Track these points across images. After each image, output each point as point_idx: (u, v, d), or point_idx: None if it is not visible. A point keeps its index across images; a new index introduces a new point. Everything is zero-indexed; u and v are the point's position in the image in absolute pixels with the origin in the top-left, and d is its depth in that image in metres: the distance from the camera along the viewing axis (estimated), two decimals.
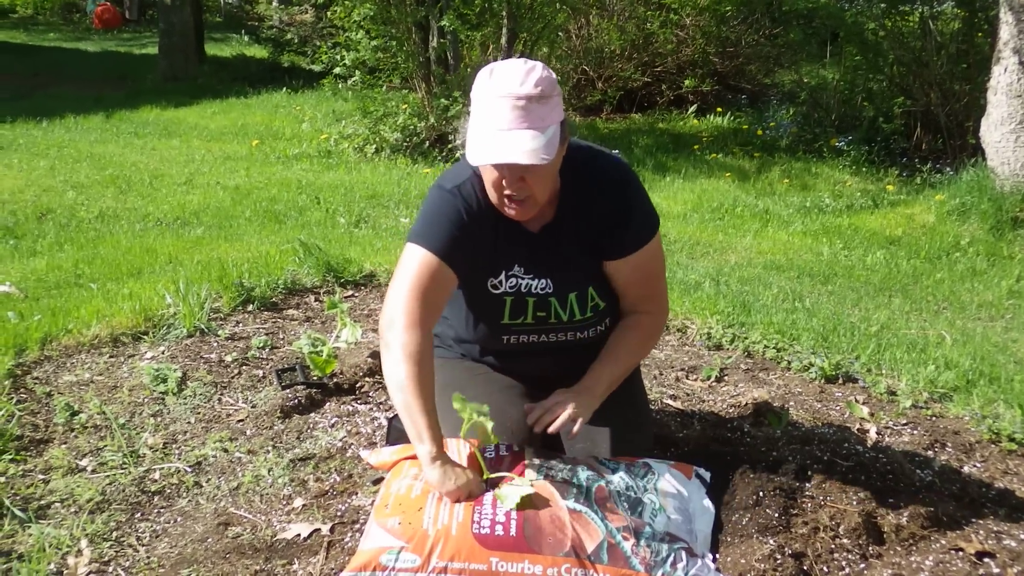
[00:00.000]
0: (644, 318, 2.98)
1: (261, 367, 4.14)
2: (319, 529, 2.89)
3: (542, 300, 2.87)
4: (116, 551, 2.80)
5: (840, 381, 4.37)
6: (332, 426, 3.61)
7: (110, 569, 2.72)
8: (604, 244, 2.83)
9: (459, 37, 11.94)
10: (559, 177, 2.75)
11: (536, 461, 2.73)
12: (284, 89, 16.54)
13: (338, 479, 3.21)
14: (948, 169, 10.74)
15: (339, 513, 2.99)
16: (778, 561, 2.61)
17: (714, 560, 2.65)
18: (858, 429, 3.80)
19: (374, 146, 11.51)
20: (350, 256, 5.67)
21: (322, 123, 13.00)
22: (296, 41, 20.53)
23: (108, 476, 3.19)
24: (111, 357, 4.16)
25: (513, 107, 2.48)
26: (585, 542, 2.45)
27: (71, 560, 2.73)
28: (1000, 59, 8.59)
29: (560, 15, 12.87)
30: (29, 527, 2.86)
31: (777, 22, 15.38)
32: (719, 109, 14.70)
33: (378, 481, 3.09)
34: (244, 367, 4.13)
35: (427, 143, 11.38)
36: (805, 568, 2.66)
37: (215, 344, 4.34)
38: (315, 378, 3.91)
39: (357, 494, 3.10)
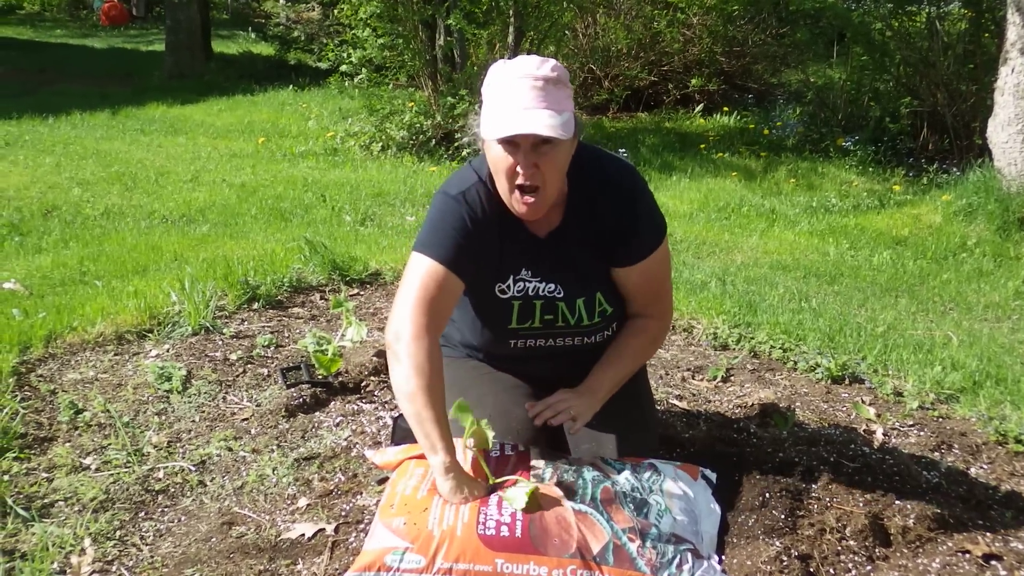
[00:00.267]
0: (650, 322, 2.98)
1: (266, 366, 4.14)
2: (323, 529, 2.88)
3: (549, 303, 2.86)
4: (120, 550, 2.79)
5: (846, 382, 4.36)
6: (337, 425, 3.60)
7: (113, 568, 2.71)
8: (612, 251, 2.82)
9: (466, 35, 11.95)
10: (566, 179, 2.74)
11: (541, 462, 2.72)
12: (290, 87, 16.55)
13: (343, 479, 3.20)
14: (955, 169, 10.72)
15: (344, 513, 2.98)
16: (784, 563, 2.60)
17: (720, 562, 2.64)
18: (864, 430, 3.79)
19: (380, 144, 11.51)
20: (356, 254, 5.67)
21: (328, 121, 13.01)
22: (303, 39, 20.57)
23: (112, 475, 3.18)
24: (116, 355, 4.16)
25: (532, 87, 2.51)
26: (591, 543, 2.44)
27: (74, 559, 2.72)
28: (1007, 60, 8.58)
29: (567, 14, 12.87)
30: (32, 526, 2.86)
31: (784, 22, 15.36)
32: (725, 108, 14.69)
33: (383, 481, 3.08)
34: (249, 366, 4.12)
35: (433, 141, 11.38)
36: (811, 570, 2.65)
37: (220, 342, 4.34)
38: (320, 377, 3.90)
39: (362, 494, 3.09)
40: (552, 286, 2.84)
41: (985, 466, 3.52)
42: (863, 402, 4.09)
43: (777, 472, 3.03)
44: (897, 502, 2.99)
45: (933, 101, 11.50)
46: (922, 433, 3.80)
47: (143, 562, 2.74)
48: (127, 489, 3.11)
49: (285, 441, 3.47)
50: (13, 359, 3.94)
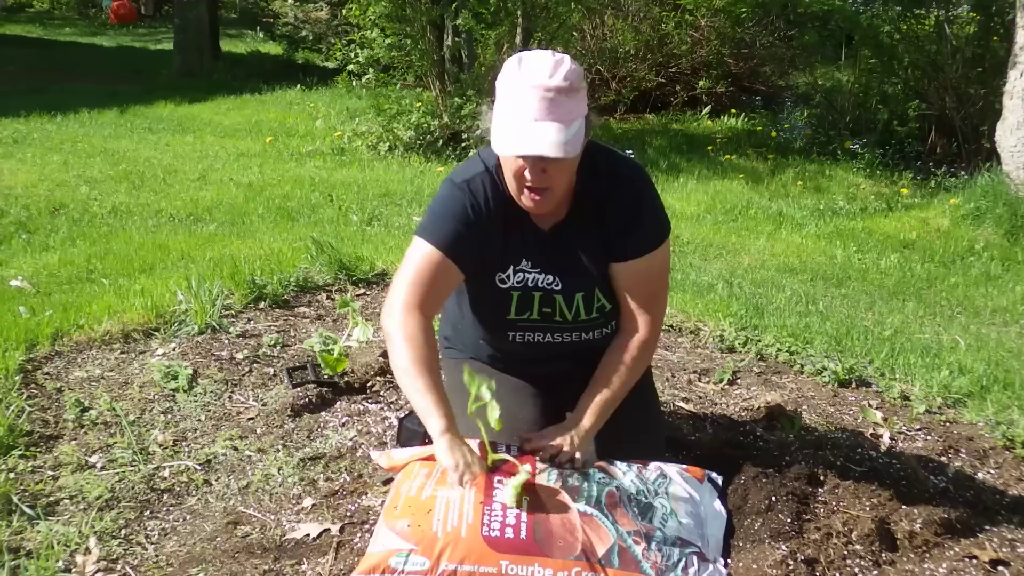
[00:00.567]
0: (634, 338, 2.89)
1: (272, 365, 4.14)
2: (328, 529, 2.88)
3: (548, 296, 2.86)
4: (125, 549, 2.79)
5: (853, 385, 4.35)
6: (343, 425, 3.60)
7: (118, 567, 2.71)
8: (614, 244, 2.81)
9: (474, 36, 11.95)
10: (576, 173, 2.74)
11: (546, 464, 2.71)
12: (298, 86, 16.57)
13: (348, 479, 3.20)
14: (963, 173, 10.71)
15: (349, 513, 2.98)
16: (790, 567, 2.59)
17: (726, 565, 2.63)
18: (871, 434, 3.78)
19: (387, 144, 11.51)
20: (362, 254, 5.67)
21: (336, 120, 13.00)
22: (311, 38, 20.57)
23: (117, 473, 3.18)
24: (122, 353, 4.16)
25: (541, 98, 2.48)
26: (596, 546, 2.44)
27: (79, 558, 2.72)
28: (1016, 63, 8.57)
29: (575, 15, 12.86)
30: (38, 524, 2.86)
31: (792, 24, 15.34)
32: (733, 110, 14.68)
33: (388, 481, 3.08)
34: (255, 365, 4.12)
35: (440, 141, 11.38)
36: (818, 574, 2.64)
37: (226, 341, 4.34)
38: (326, 377, 3.90)
39: (367, 494, 3.09)
40: (550, 278, 2.84)
41: (992, 471, 3.51)
42: (870, 406, 4.09)
43: (783, 475, 3.02)
44: (904, 507, 2.99)
45: (941, 104, 11.49)
46: (929, 437, 3.80)
47: (148, 561, 2.74)
48: (132, 488, 3.10)
49: (291, 441, 3.47)
50: (20, 357, 3.94)
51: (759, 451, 3.40)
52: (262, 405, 3.75)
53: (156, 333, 4.37)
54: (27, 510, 2.91)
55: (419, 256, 2.74)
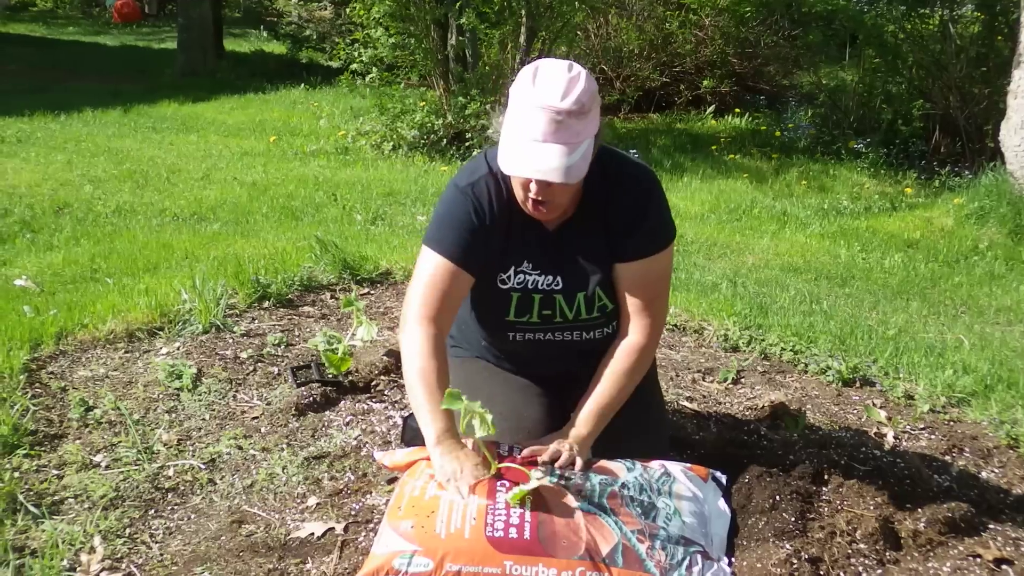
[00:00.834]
0: (633, 342, 2.89)
1: (276, 364, 4.14)
2: (333, 528, 2.88)
3: (548, 297, 2.86)
4: (129, 548, 2.79)
5: (857, 384, 4.35)
6: (347, 424, 3.60)
7: (123, 566, 2.71)
8: (618, 243, 2.81)
9: (478, 35, 11.94)
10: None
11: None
12: (302, 85, 16.57)
13: (352, 478, 3.21)
14: (967, 173, 10.71)
15: (353, 512, 2.98)
16: (794, 566, 2.59)
17: (730, 564, 2.63)
18: (875, 433, 3.78)
19: (391, 143, 11.51)
20: (366, 253, 5.67)
21: (340, 120, 13.00)
22: (315, 37, 20.58)
23: (122, 472, 3.18)
24: (126, 352, 4.16)
25: (550, 120, 2.48)
26: (600, 545, 2.44)
27: (84, 557, 2.72)
28: (1020, 62, 8.57)
29: (579, 14, 12.85)
30: (42, 523, 2.86)
31: (796, 23, 15.35)
32: (737, 110, 14.69)
33: (392, 480, 3.08)
34: (259, 364, 4.12)
35: (444, 141, 11.38)
36: (821, 573, 2.64)
37: (230, 341, 4.34)
38: (330, 376, 3.90)
39: (371, 493, 3.09)
40: (550, 278, 2.85)
41: (996, 470, 3.51)
42: (874, 405, 4.09)
43: (787, 474, 3.02)
44: (908, 505, 2.99)
45: (945, 104, 11.49)
46: (933, 436, 3.80)
47: (152, 560, 2.74)
48: (137, 487, 3.11)
49: (295, 440, 3.47)
50: (24, 356, 3.94)
51: (763, 450, 3.40)
52: (266, 404, 3.75)
53: (160, 332, 4.37)
54: (32, 509, 2.92)
55: (429, 267, 2.76)
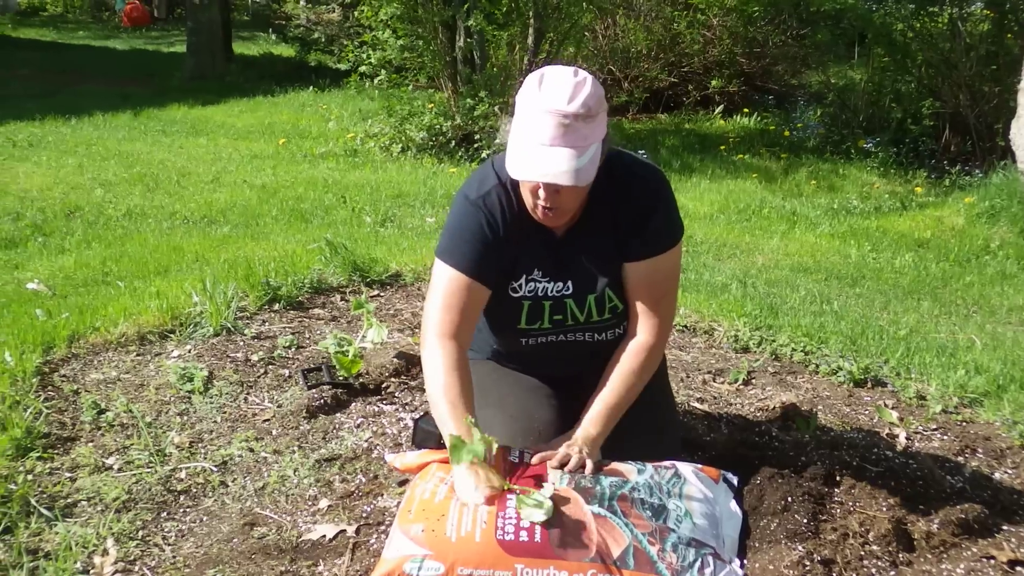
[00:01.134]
0: (641, 342, 2.88)
1: (287, 367, 4.14)
2: (344, 530, 2.88)
3: (558, 303, 2.86)
4: (142, 550, 2.80)
5: (869, 385, 4.34)
6: (358, 427, 3.61)
7: (136, 568, 2.72)
8: (626, 243, 2.81)
9: (486, 37, 11.94)
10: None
11: (558, 472, 2.70)
12: (311, 88, 16.60)
13: (364, 480, 3.21)
14: (977, 171, 10.69)
15: (364, 514, 2.98)
16: (807, 568, 2.59)
17: (742, 566, 2.63)
18: (887, 434, 3.77)
19: (400, 145, 11.53)
20: (376, 256, 5.67)
21: (348, 122, 13.02)
22: (323, 40, 20.58)
23: (134, 475, 3.19)
24: (138, 355, 4.17)
25: (557, 124, 2.48)
26: (611, 547, 2.43)
27: (97, 559, 2.73)
28: None
29: (586, 15, 12.84)
30: (56, 525, 2.87)
31: (804, 23, 15.31)
32: (746, 110, 14.67)
33: (404, 483, 3.08)
34: (270, 366, 4.13)
35: (453, 143, 11.39)
36: (834, 575, 2.63)
37: (241, 343, 4.34)
38: (341, 378, 3.91)
39: (383, 495, 3.09)
40: (560, 284, 2.85)
41: (1010, 471, 3.50)
42: (886, 406, 4.08)
43: (799, 476, 3.02)
44: (921, 507, 2.99)
45: (955, 102, 11.46)
46: (946, 437, 3.79)
47: (165, 562, 2.75)
48: (149, 489, 3.11)
49: (306, 442, 3.48)
50: (36, 359, 3.95)
51: (774, 451, 3.39)
52: (277, 407, 3.75)
53: (171, 335, 4.37)
54: (45, 512, 2.92)
55: (444, 281, 2.76)
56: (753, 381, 4.32)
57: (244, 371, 4.05)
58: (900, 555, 2.75)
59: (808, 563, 2.60)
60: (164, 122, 13.35)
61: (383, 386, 3.93)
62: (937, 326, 5.70)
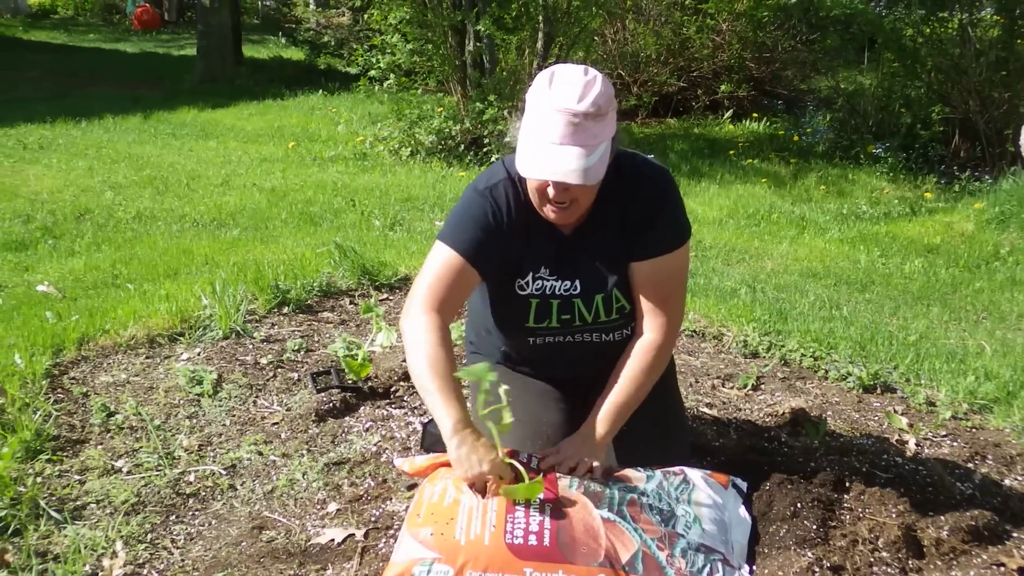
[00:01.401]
0: (648, 342, 2.88)
1: (296, 370, 4.15)
2: (353, 534, 2.89)
3: (566, 302, 2.86)
4: (151, 553, 2.81)
5: (878, 391, 4.33)
6: (367, 430, 3.61)
7: (145, 571, 2.73)
8: (633, 242, 2.81)
9: (495, 41, 11.94)
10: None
11: (567, 478, 2.70)
12: (320, 91, 16.60)
13: (372, 484, 3.21)
14: (987, 177, 10.67)
15: (373, 518, 2.99)
16: (816, 574, 2.58)
17: (751, 572, 2.62)
18: (897, 440, 3.76)
19: (409, 149, 11.54)
20: (385, 259, 5.68)
21: (358, 125, 13.04)
22: (333, 43, 20.61)
23: (143, 478, 3.20)
24: (147, 358, 4.18)
25: (568, 123, 2.48)
26: (620, 552, 2.43)
27: (106, 562, 2.74)
28: None
29: (596, 19, 12.85)
30: (65, 528, 2.88)
31: (814, 28, 15.30)
32: (755, 115, 14.65)
33: (412, 487, 3.08)
34: (279, 370, 4.13)
35: (462, 146, 11.40)
36: None
37: (250, 346, 4.35)
38: (350, 382, 3.91)
39: (391, 499, 3.10)
40: (568, 283, 2.84)
41: (1020, 477, 3.50)
42: (895, 412, 4.07)
43: (808, 482, 3.01)
44: (931, 513, 2.98)
45: (965, 108, 11.44)
46: (955, 444, 3.78)
47: (174, 565, 2.75)
48: (158, 492, 3.12)
49: (315, 446, 3.48)
50: (46, 361, 3.96)
51: (784, 457, 3.39)
52: (286, 410, 3.76)
53: (181, 338, 4.38)
54: (54, 514, 2.93)
55: (439, 260, 2.75)
56: (762, 386, 4.31)
57: (253, 374, 4.06)
58: (910, 562, 2.75)
59: (817, 569, 2.60)
60: (174, 125, 13.37)
61: (392, 390, 3.93)
62: (947, 332, 5.69)
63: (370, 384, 3.94)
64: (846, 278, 7.26)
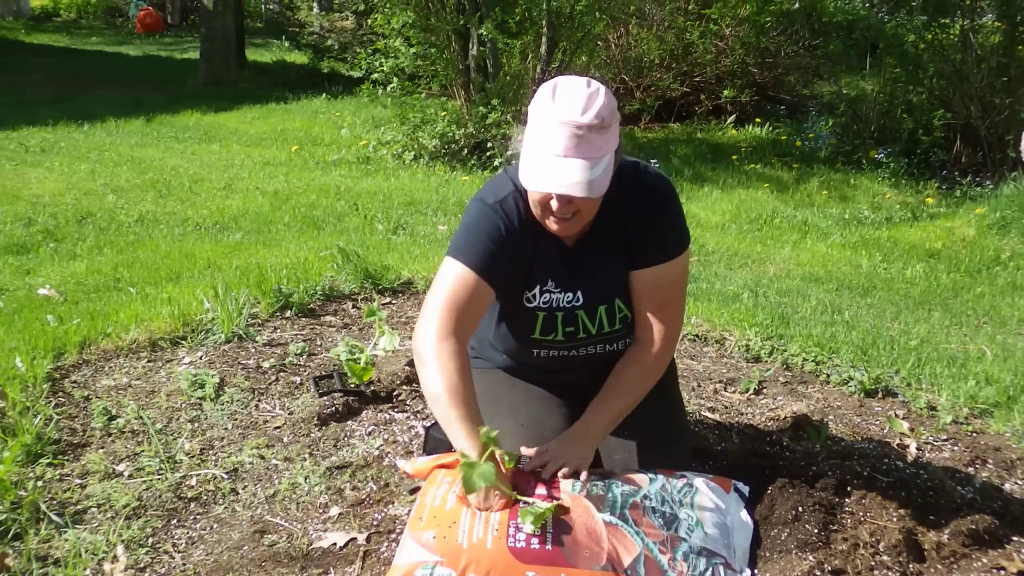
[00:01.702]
0: (647, 349, 2.88)
1: (298, 374, 4.15)
2: (355, 538, 2.88)
3: (570, 314, 2.86)
4: (152, 557, 2.81)
5: (880, 395, 4.33)
6: (369, 434, 3.61)
7: (146, 575, 2.72)
8: (633, 252, 2.81)
9: (498, 45, 11.94)
10: None
11: (569, 480, 2.70)
12: (324, 95, 16.61)
13: (375, 488, 3.21)
14: (988, 182, 10.68)
15: (375, 522, 2.99)
16: None
17: None
18: (898, 444, 3.76)
19: (412, 153, 11.54)
20: (388, 263, 5.68)
21: (361, 129, 13.04)
22: (336, 47, 20.62)
23: (145, 482, 3.20)
24: (149, 362, 4.18)
25: (571, 135, 2.48)
26: (622, 556, 2.43)
27: (107, 566, 2.74)
28: None
29: (599, 24, 12.85)
30: (66, 532, 2.88)
31: (816, 33, 15.32)
32: (758, 120, 14.66)
33: (415, 490, 3.08)
34: (281, 374, 4.13)
35: (465, 151, 11.40)
36: None
37: (253, 350, 4.35)
38: (352, 386, 3.91)
39: (393, 503, 3.10)
40: (571, 295, 2.84)
41: (1020, 481, 3.49)
42: (896, 416, 4.07)
43: (810, 486, 3.01)
44: (931, 517, 2.98)
45: (966, 114, 11.44)
46: (956, 448, 3.78)
47: (175, 569, 2.76)
48: (160, 496, 3.12)
49: (317, 450, 3.48)
50: (47, 365, 3.96)
51: (785, 461, 3.39)
52: (289, 414, 3.76)
53: (183, 341, 4.39)
54: (55, 518, 2.93)
55: (452, 276, 2.72)
56: (764, 391, 4.31)
57: (255, 378, 4.06)
58: (910, 565, 2.74)
59: (819, 573, 2.60)
60: (177, 128, 13.38)
61: (395, 394, 3.94)
62: (948, 337, 5.69)
63: (372, 388, 3.94)
64: (848, 283, 7.26)
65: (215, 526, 3.00)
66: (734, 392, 4.28)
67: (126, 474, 3.25)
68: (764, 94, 15.88)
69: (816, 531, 2.78)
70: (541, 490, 2.61)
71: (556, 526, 2.46)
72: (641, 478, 2.72)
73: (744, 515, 2.78)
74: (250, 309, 4.74)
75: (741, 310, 5.41)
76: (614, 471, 2.80)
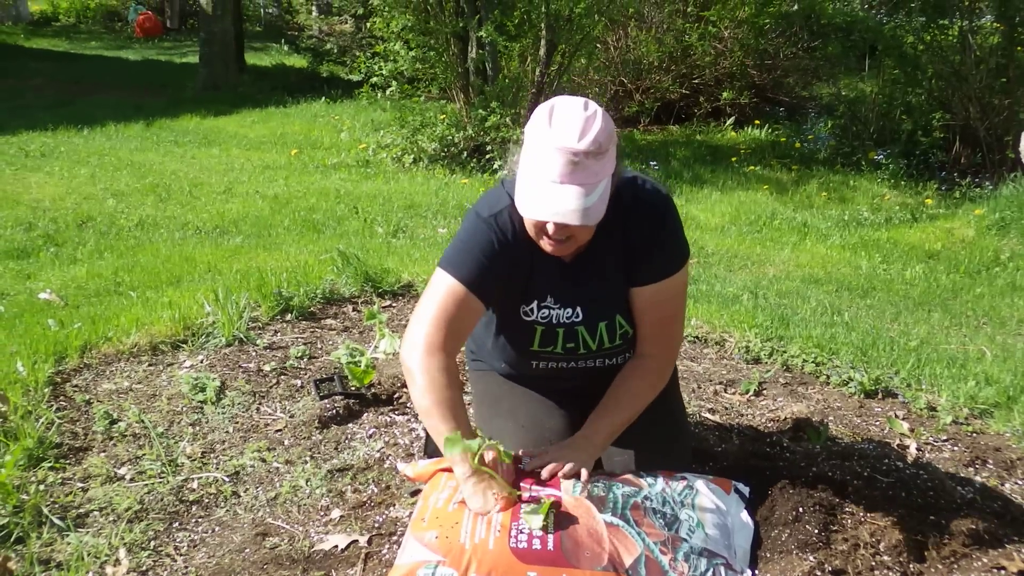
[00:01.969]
0: (649, 362, 2.90)
1: (299, 377, 4.15)
2: (356, 541, 2.89)
3: (570, 330, 2.86)
4: (154, 560, 2.81)
5: (879, 396, 4.34)
6: (370, 437, 3.61)
7: None
8: (633, 268, 2.81)
9: (498, 48, 11.94)
10: None
11: (570, 480, 2.70)
12: (323, 99, 16.60)
13: (376, 490, 3.22)
14: (987, 183, 10.69)
15: (377, 524, 2.99)
16: None
17: None
18: (898, 445, 3.77)
19: (412, 156, 11.54)
20: (388, 266, 5.68)
21: (360, 133, 13.03)
22: (335, 51, 20.62)
23: (146, 485, 3.20)
24: (150, 365, 4.19)
25: (568, 161, 2.45)
26: (623, 556, 2.44)
27: (109, 569, 2.74)
28: None
29: (598, 26, 12.84)
30: (67, 536, 2.88)
31: (815, 35, 15.33)
32: (757, 121, 14.66)
33: (416, 493, 3.09)
34: (282, 377, 4.14)
35: (465, 153, 11.40)
36: None
37: (253, 353, 4.36)
38: (353, 389, 3.92)
39: (395, 505, 3.10)
40: (570, 311, 2.84)
41: (1020, 482, 3.50)
42: (896, 416, 4.07)
43: (810, 486, 3.01)
44: (931, 518, 2.98)
45: (965, 115, 11.45)
46: (956, 448, 3.78)
47: (177, 572, 2.76)
48: (161, 499, 3.13)
49: (318, 452, 3.49)
50: (48, 369, 3.97)
51: (786, 462, 3.39)
52: (290, 417, 3.76)
53: (184, 345, 4.39)
54: (57, 522, 2.94)
55: (442, 290, 2.71)
56: (764, 392, 4.32)
57: (256, 381, 4.07)
58: (911, 566, 2.75)
59: (819, 573, 2.61)
60: (176, 132, 13.38)
61: (395, 396, 3.94)
62: (947, 337, 5.69)
63: (373, 391, 3.95)
64: (847, 284, 7.26)
65: (217, 529, 3.00)
66: (734, 393, 4.28)
67: (128, 477, 3.25)
68: (763, 96, 15.89)
69: (816, 531, 2.79)
70: (542, 490, 2.61)
71: (557, 527, 2.46)
72: (642, 480, 2.73)
73: (745, 516, 2.78)
74: (250, 313, 4.75)
75: (741, 312, 5.42)
76: (614, 472, 2.80)
